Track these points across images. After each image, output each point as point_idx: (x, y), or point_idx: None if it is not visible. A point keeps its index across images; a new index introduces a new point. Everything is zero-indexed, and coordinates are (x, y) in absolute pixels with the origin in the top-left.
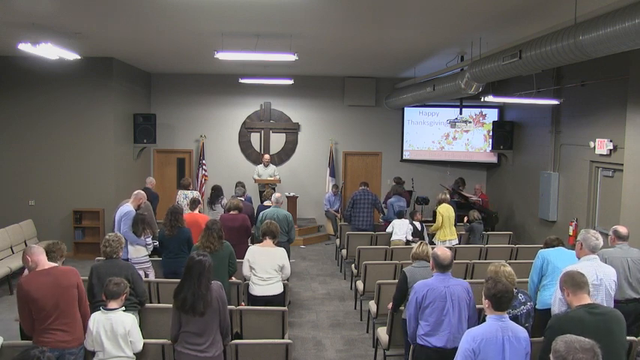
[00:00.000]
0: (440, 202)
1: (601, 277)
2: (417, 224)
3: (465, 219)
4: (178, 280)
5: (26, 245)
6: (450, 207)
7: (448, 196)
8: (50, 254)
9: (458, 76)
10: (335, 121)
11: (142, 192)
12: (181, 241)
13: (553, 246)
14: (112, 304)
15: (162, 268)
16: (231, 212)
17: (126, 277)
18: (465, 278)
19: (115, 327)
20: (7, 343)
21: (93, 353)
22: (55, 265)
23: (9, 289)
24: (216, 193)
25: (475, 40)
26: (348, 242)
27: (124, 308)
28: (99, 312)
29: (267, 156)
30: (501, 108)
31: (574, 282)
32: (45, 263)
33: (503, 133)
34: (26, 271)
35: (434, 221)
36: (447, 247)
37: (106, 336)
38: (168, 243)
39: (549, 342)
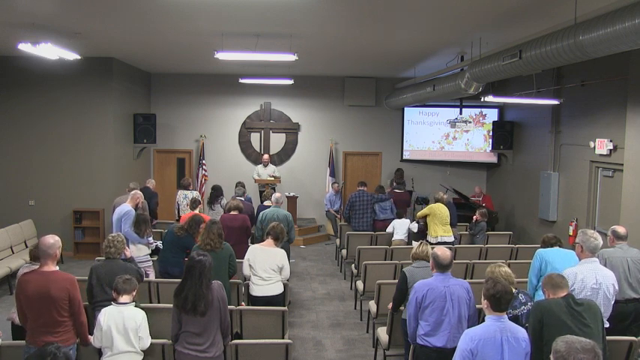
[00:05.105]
0: (437, 201)
1: (600, 281)
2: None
3: (475, 218)
4: (174, 279)
5: (26, 246)
6: (445, 207)
7: (446, 196)
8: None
9: (458, 76)
10: (335, 121)
11: (139, 192)
12: (181, 245)
13: (551, 244)
14: (124, 298)
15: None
16: (231, 212)
17: None
18: (464, 278)
19: (126, 321)
20: (6, 343)
21: (100, 353)
22: (56, 270)
23: (9, 289)
24: (216, 193)
25: (475, 40)
26: (348, 242)
27: (134, 303)
28: (111, 306)
29: (266, 156)
30: (501, 108)
31: (553, 283)
32: (49, 265)
33: (503, 133)
34: (27, 268)
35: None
36: (443, 246)
37: (117, 330)
38: (170, 241)
39: (534, 329)
